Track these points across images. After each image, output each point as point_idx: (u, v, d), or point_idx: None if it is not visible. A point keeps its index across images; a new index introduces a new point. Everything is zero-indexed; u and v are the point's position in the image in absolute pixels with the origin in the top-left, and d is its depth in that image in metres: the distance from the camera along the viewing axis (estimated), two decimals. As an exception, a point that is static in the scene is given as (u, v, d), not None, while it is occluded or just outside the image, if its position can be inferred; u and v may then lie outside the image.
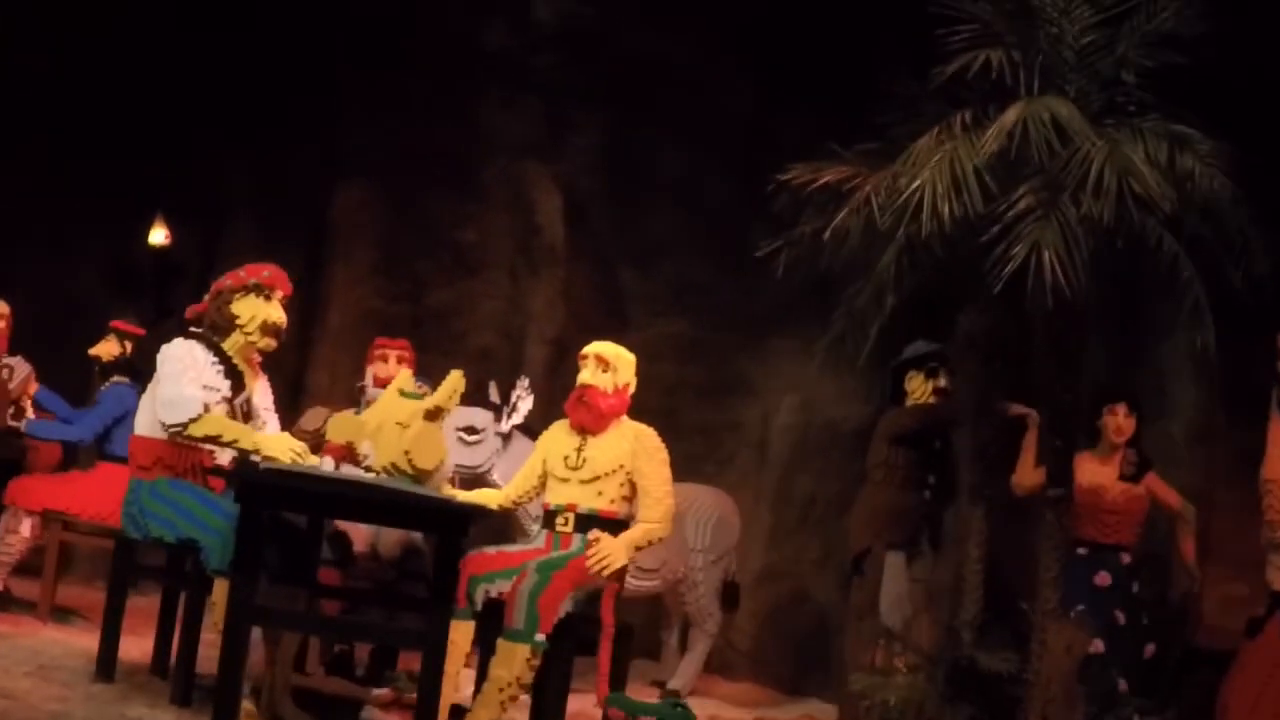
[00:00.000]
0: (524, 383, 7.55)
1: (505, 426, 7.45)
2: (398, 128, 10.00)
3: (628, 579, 6.31)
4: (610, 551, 5.89)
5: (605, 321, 9.51)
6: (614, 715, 5.83)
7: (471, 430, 7.38)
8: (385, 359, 7.51)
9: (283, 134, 9.92)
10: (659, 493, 6.06)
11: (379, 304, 10.19)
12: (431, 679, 5.17)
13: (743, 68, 9.27)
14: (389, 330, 8.27)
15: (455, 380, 5.54)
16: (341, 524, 6.34)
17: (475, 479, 7.30)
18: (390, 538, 6.92)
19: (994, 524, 6.88)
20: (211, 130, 10.02)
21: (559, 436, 6.25)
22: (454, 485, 6.23)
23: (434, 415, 5.49)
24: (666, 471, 6.13)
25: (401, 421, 5.45)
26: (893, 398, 7.79)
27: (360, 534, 6.75)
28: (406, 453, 5.39)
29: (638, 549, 6.03)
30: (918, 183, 5.95)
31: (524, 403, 7.47)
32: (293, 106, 9.90)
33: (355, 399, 7.57)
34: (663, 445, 6.16)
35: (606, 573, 5.88)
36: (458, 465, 7.02)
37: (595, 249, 9.91)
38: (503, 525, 7.34)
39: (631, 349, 6.35)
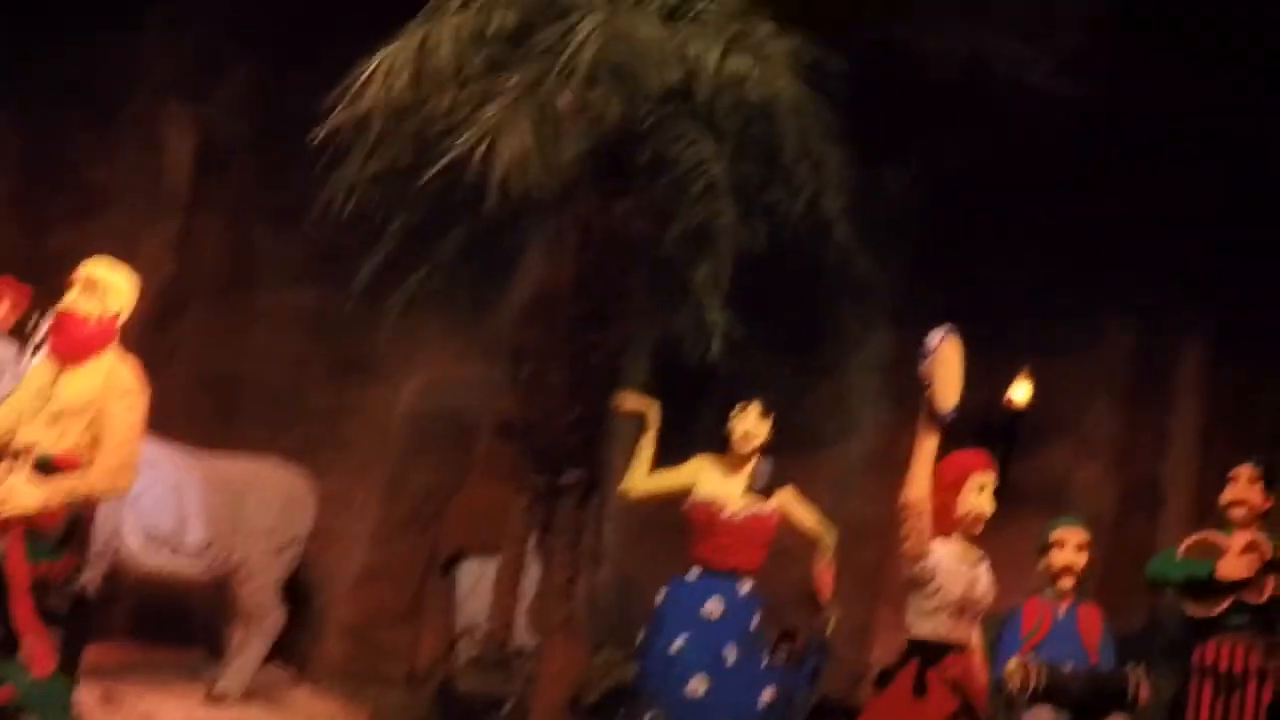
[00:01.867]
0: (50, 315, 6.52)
1: (24, 362, 6.45)
2: (41, 52, 8.99)
3: (165, 556, 5.32)
4: (12, 489, 4.95)
5: (228, 282, 8.62)
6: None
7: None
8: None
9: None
10: (113, 441, 5.12)
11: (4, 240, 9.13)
12: None
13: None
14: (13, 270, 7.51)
15: None
16: None
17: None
18: None
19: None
20: None
21: (40, 368, 5.28)
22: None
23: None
24: (133, 418, 5.20)
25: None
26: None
27: None
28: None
29: (61, 502, 5.05)
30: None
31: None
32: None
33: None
34: (139, 387, 5.22)
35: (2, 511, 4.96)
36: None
37: (230, 202, 8.94)
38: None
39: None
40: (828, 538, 6.46)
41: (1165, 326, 8.20)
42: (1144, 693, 6.48)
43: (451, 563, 6.66)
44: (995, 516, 7.67)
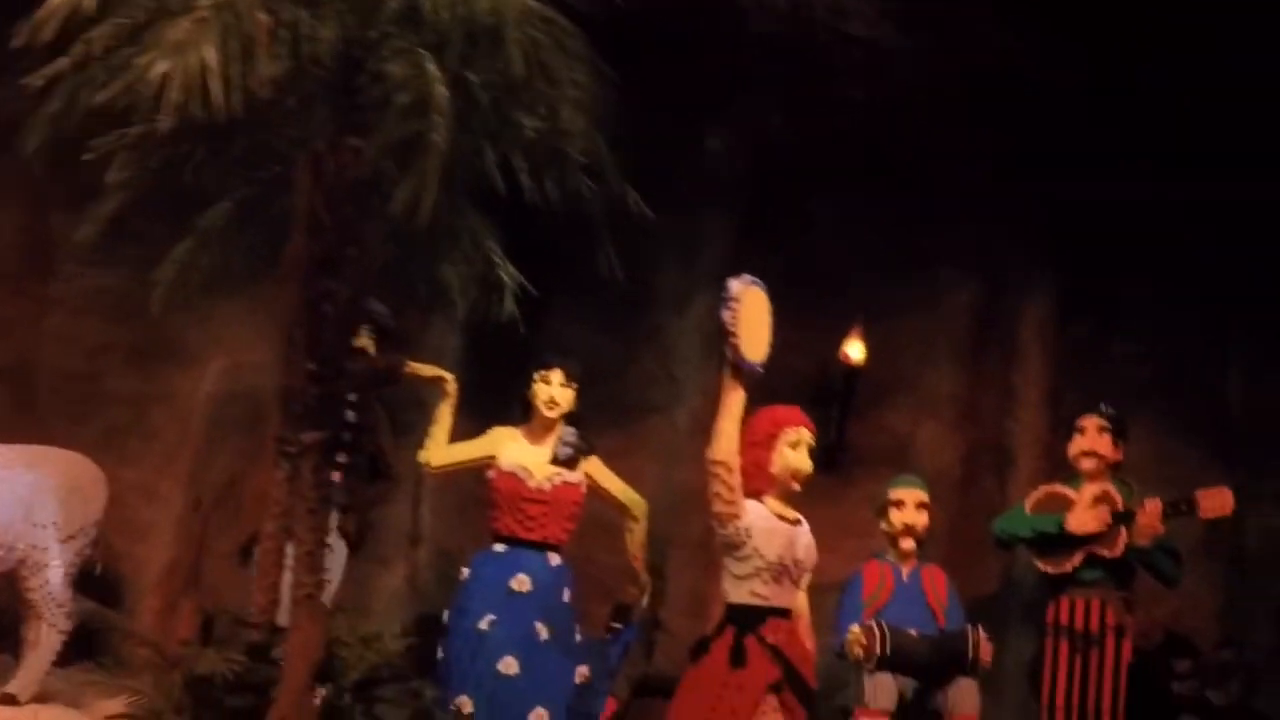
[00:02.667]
0: None
1: None
2: None
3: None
4: None
5: (23, 267, 8.04)
6: None
7: None
8: None
9: None
10: None
11: None
12: None
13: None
14: None
15: None
16: None
17: None
18: None
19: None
20: None
21: None
22: None
23: None
24: None
25: None
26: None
27: None
28: None
29: None
30: None
31: None
32: None
33: None
34: None
35: None
36: None
37: (24, 182, 8.34)
38: None
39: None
40: (636, 507, 6.10)
41: (1008, 283, 7.94)
42: (985, 652, 6.19)
43: (248, 548, 6.15)
44: (837, 479, 7.46)
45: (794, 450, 5.51)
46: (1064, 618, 6.69)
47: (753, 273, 5.29)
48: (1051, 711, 6.60)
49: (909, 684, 6.30)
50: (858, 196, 7.67)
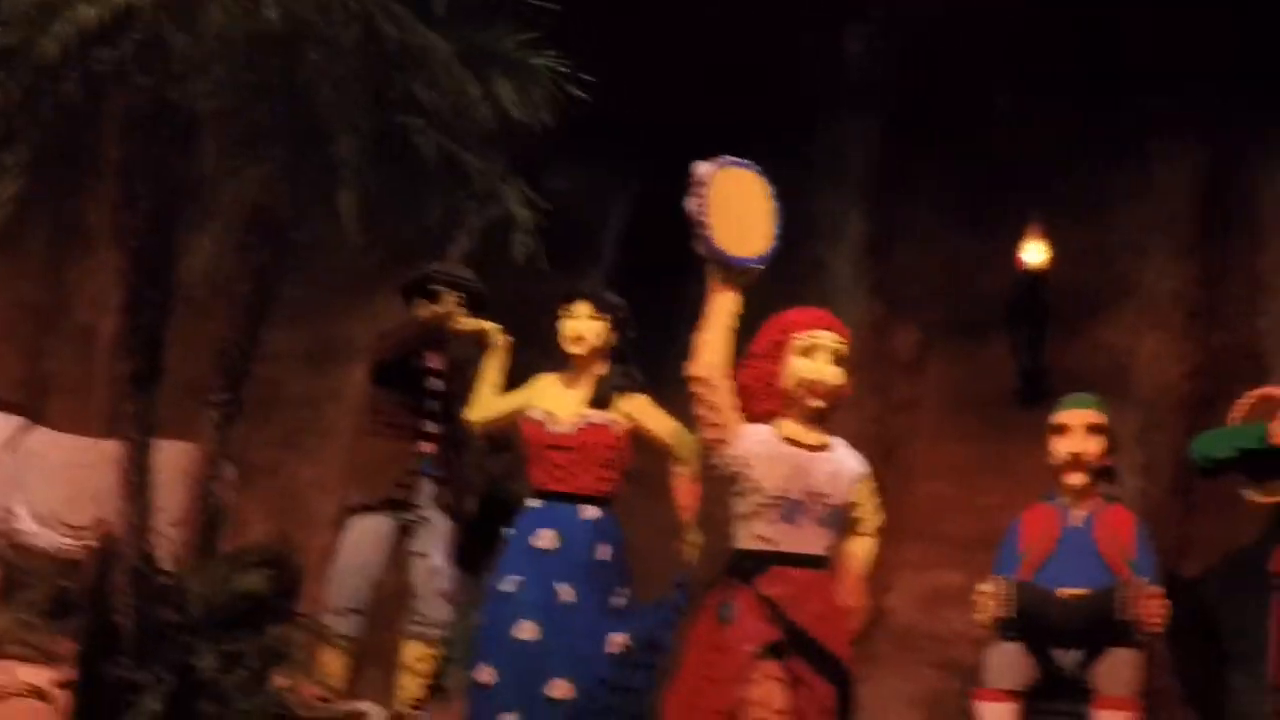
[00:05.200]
0: None
1: None
2: None
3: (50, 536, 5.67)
4: None
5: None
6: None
7: None
8: None
9: None
10: None
11: None
12: None
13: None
14: None
15: None
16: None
17: None
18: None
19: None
20: None
21: None
22: None
23: None
24: None
25: None
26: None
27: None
28: None
29: None
30: None
31: None
32: None
33: None
34: None
35: None
36: None
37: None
38: None
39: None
40: (686, 448, 5.11)
41: (1243, 151, 6.41)
42: (1147, 613, 4.89)
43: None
44: (1039, 412, 6.19)
45: (807, 358, 4.46)
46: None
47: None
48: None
49: (1074, 656, 5.08)
50: (1035, 74, 6.38)
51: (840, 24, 6.71)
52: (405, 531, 5.88)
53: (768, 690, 4.18)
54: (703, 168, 4.29)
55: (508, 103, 5.02)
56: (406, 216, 5.09)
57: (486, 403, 5.41)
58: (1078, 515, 5.42)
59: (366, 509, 5.86)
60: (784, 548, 4.34)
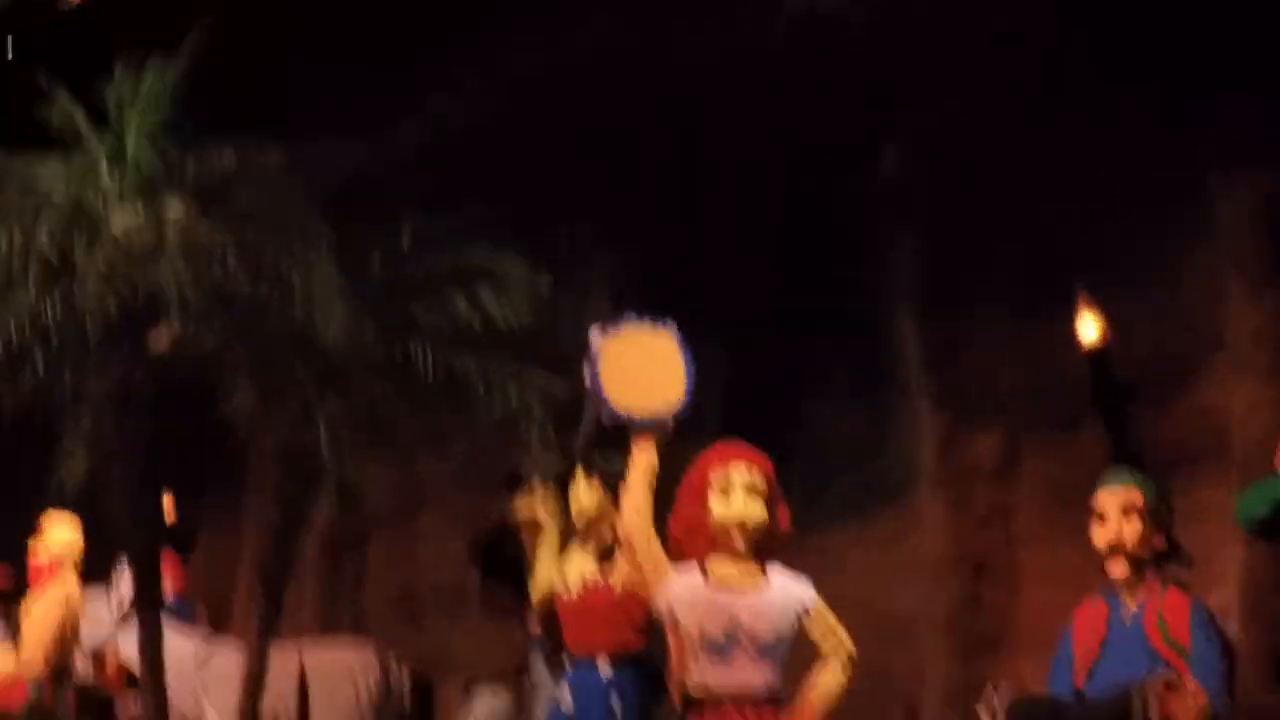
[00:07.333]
0: None
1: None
2: None
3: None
4: None
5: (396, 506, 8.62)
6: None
7: None
8: None
9: None
10: None
11: None
12: None
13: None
14: None
15: None
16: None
17: None
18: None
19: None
20: None
21: None
22: None
23: None
24: None
25: None
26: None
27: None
28: None
29: None
30: None
31: None
32: None
33: None
34: None
35: None
36: None
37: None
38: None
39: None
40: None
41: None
42: (1181, 715, 4.42)
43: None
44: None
45: (729, 494, 4.39)
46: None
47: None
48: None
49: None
50: (1071, 141, 6.06)
51: (873, 147, 6.58)
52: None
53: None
54: (593, 338, 4.44)
55: (490, 308, 5.36)
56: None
57: (539, 583, 5.77)
58: (1129, 608, 4.93)
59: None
60: (720, 688, 4.31)
